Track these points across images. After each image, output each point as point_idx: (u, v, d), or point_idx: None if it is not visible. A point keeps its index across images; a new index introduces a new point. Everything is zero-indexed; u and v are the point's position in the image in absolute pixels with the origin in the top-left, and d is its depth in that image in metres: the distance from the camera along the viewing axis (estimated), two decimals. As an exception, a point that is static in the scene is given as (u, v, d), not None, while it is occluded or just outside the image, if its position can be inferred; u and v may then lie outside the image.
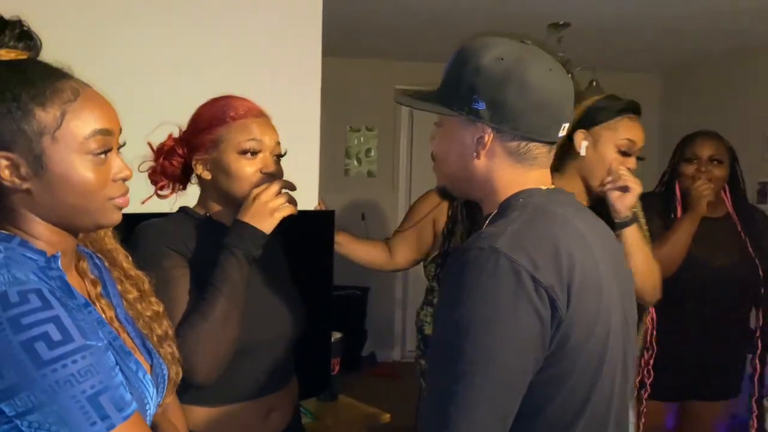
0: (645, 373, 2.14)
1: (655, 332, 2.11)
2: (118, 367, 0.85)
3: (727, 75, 4.36)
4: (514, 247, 0.93)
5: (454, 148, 1.07)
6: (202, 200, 1.42)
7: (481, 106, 1.01)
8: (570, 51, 3.47)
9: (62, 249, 0.91)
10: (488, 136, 1.03)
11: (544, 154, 1.06)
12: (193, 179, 1.43)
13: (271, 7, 2.31)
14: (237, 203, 1.33)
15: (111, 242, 1.07)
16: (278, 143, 1.38)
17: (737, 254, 2.24)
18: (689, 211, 2.19)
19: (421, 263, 2.42)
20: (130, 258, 1.10)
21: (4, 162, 0.84)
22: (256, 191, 1.31)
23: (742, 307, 2.31)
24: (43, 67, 0.88)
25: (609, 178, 1.70)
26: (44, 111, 0.85)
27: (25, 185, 0.86)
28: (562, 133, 1.06)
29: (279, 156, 1.39)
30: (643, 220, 1.86)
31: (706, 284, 2.22)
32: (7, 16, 0.90)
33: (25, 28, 0.90)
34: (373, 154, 5.12)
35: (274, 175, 1.34)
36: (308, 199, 2.16)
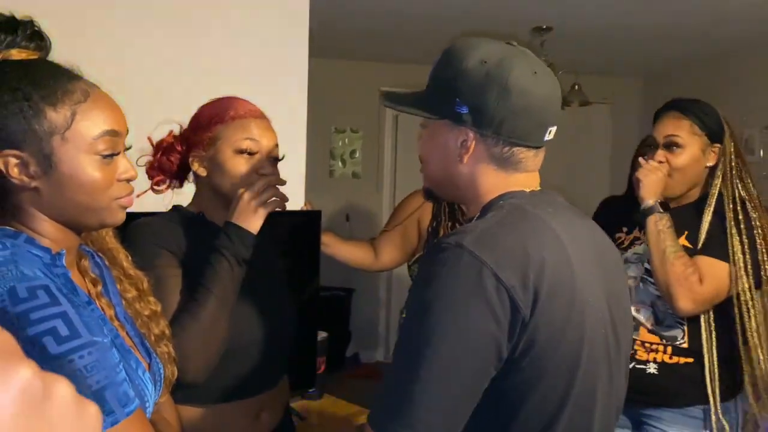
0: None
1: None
2: (121, 363, 0.87)
3: (706, 79, 4.40)
4: (480, 244, 0.92)
5: (438, 152, 1.06)
6: (196, 198, 1.43)
7: (464, 110, 1.00)
8: (552, 55, 3.51)
9: (66, 247, 0.93)
10: (471, 141, 1.01)
11: (530, 158, 1.04)
12: (191, 177, 1.44)
13: (258, 8, 2.32)
14: (229, 202, 1.34)
15: (112, 241, 1.10)
16: (276, 146, 1.39)
17: None
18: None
19: (406, 264, 2.45)
20: (130, 258, 1.12)
21: (14, 160, 0.86)
22: (241, 190, 1.31)
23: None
24: (54, 68, 0.90)
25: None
26: (55, 111, 0.86)
27: (34, 183, 0.88)
28: (549, 137, 1.04)
29: (276, 159, 1.40)
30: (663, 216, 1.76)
31: None
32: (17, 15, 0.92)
33: (36, 29, 0.92)
34: (357, 155, 5.12)
35: (268, 177, 1.35)
36: (295, 200, 2.17)
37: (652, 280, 1.82)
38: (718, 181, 1.80)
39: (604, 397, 1.02)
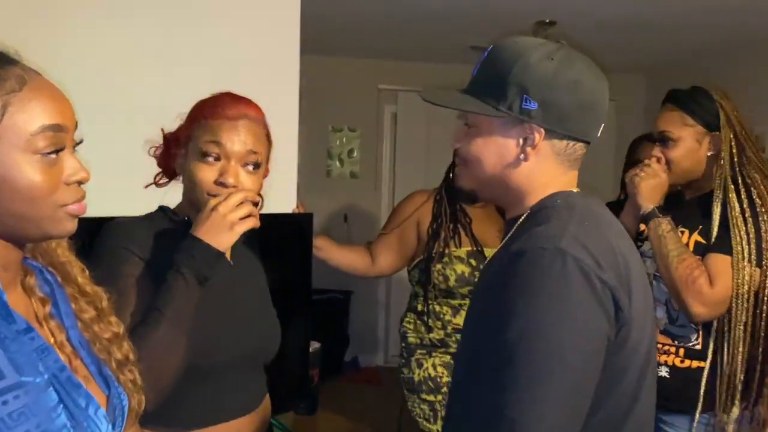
0: None
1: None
2: (62, 405, 0.75)
3: (710, 73, 4.32)
4: (578, 247, 0.92)
5: (494, 150, 1.04)
6: (182, 200, 1.34)
7: (533, 106, 0.99)
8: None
9: (3, 263, 0.80)
10: (539, 137, 1.01)
11: (582, 155, 1.06)
12: None
13: (247, 3, 2.23)
14: (199, 210, 1.23)
15: (65, 254, 0.95)
16: (252, 152, 1.26)
17: None
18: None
19: (405, 269, 2.35)
20: (87, 272, 0.98)
21: None
22: (213, 201, 1.19)
23: None
24: None
25: None
26: None
27: None
28: (599, 134, 1.06)
29: (255, 166, 1.27)
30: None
31: None
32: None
33: None
34: (355, 154, 5.05)
35: (228, 187, 1.23)
36: (286, 202, 2.09)
37: None
38: (720, 171, 1.75)
39: (652, 390, 1.05)
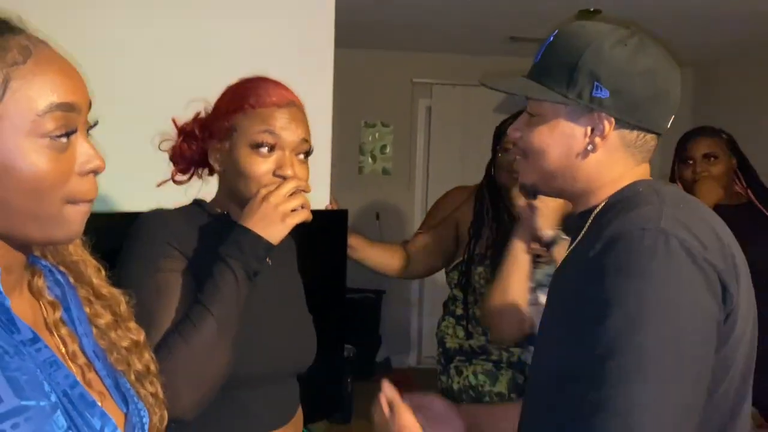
0: None
1: None
2: (70, 431, 0.64)
3: (761, 67, 4.23)
4: (680, 227, 0.86)
5: (561, 140, 0.99)
6: (218, 195, 1.24)
7: (604, 94, 0.94)
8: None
9: (5, 264, 0.70)
10: (609, 126, 0.95)
11: (654, 147, 1.00)
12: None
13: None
14: (244, 206, 1.14)
15: (77, 252, 0.85)
16: (304, 140, 1.18)
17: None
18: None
19: (443, 270, 2.24)
20: (103, 272, 0.87)
21: None
22: (264, 191, 1.12)
23: None
24: None
25: None
26: None
27: None
28: (669, 125, 1.00)
29: (306, 154, 1.20)
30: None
31: None
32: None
33: None
34: (388, 150, 5.00)
35: (287, 179, 1.15)
36: (319, 198, 2.02)
37: None
38: None
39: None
